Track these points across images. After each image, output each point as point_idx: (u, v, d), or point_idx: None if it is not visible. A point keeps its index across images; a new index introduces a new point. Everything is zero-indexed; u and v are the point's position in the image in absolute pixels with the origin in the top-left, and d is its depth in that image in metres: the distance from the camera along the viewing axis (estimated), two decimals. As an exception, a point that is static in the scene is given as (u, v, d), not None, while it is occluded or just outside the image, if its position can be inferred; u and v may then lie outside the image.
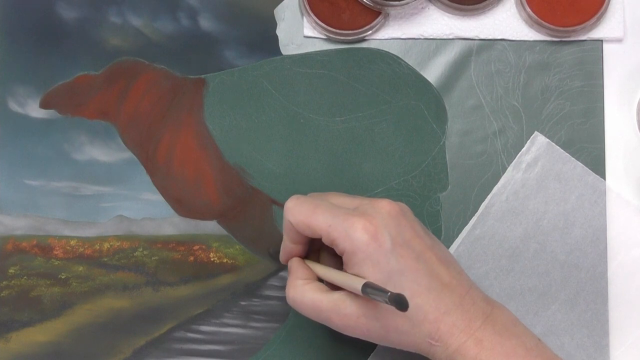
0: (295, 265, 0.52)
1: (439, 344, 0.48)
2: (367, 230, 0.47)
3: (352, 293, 0.48)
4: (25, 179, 0.58)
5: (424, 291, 0.47)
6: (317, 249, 0.53)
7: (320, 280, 0.51)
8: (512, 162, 0.58)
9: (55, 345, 0.56)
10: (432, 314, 0.47)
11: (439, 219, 0.58)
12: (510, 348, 0.47)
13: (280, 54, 0.59)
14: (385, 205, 0.49)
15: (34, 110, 0.58)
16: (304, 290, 0.50)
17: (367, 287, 0.45)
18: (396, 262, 0.47)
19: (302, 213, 0.49)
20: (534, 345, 0.48)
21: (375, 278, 0.47)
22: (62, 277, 0.57)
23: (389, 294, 0.43)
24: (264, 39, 0.59)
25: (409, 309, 0.46)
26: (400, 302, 0.43)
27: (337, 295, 0.49)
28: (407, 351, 0.50)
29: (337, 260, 0.51)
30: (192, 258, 0.57)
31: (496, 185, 0.58)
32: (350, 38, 0.59)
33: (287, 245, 0.52)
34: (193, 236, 0.58)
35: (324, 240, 0.49)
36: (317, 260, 0.53)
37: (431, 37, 0.59)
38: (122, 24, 0.59)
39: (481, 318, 0.48)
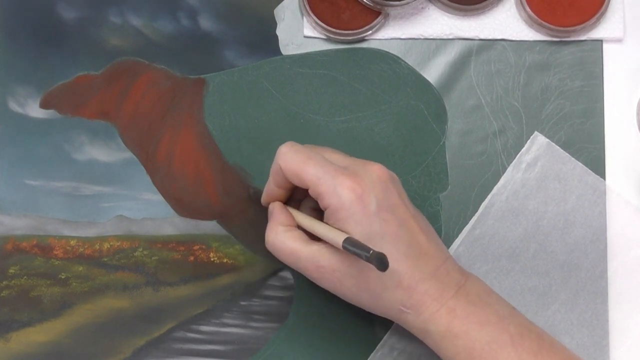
0: (278, 209, 0.52)
1: (411, 311, 0.48)
2: (355, 190, 0.47)
3: (331, 247, 0.48)
4: (25, 179, 0.58)
5: (401, 257, 0.48)
6: (299, 199, 0.53)
7: (299, 228, 0.51)
8: (512, 162, 0.58)
9: (55, 345, 0.56)
10: (406, 280, 0.48)
11: (439, 219, 0.58)
12: (484, 316, 0.48)
13: (280, 54, 0.59)
14: (376, 169, 0.49)
15: (34, 110, 0.58)
16: (285, 237, 0.50)
17: (349, 242, 0.45)
18: (379, 225, 0.47)
19: (295, 161, 0.49)
20: (507, 313, 0.48)
21: (355, 237, 0.47)
22: (62, 277, 0.57)
23: (371, 252, 0.43)
24: (264, 39, 0.59)
25: (385, 273, 0.46)
26: (381, 261, 0.43)
27: (316, 246, 0.49)
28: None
29: (316, 214, 0.51)
30: (192, 258, 0.57)
31: (496, 185, 0.58)
32: (350, 38, 0.59)
33: (271, 188, 0.52)
34: (193, 236, 0.58)
35: (310, 192, 0.49)
36: (297, 209, 0.53)
37: (431, 37, 0.59)
38: (122, 24, 0.59)
39: (454, 288, 0.48)
